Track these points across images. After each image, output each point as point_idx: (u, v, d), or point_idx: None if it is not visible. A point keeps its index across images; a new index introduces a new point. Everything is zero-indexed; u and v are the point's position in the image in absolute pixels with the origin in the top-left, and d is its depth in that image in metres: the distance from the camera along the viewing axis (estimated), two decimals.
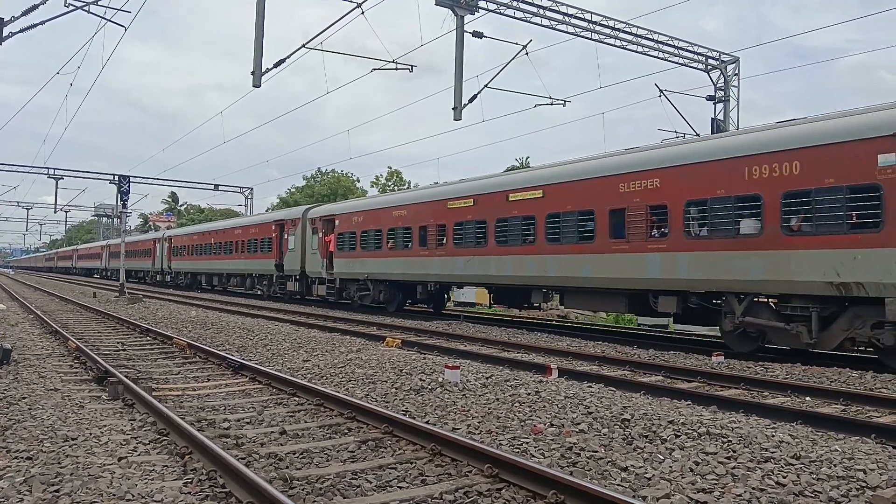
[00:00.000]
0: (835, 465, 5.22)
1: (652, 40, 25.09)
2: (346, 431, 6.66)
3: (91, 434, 6.37)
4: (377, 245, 22.93)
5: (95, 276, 67.06)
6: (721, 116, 26.29)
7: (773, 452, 5.55)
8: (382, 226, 22.71)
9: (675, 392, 8.78)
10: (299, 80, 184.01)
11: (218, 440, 6.01)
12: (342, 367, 10.33)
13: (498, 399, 7.79)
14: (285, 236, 28.82)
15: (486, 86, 21.85)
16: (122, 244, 35.05)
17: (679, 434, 6.17)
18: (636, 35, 24.70)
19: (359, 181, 67.93)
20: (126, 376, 8.90)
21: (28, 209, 76.29)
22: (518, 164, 53.28)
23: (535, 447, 5.96)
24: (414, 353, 11.85)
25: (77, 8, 17.18)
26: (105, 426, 6.72)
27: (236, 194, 60.98)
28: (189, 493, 4.84)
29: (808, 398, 8.65)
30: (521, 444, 6.05)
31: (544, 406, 7.34)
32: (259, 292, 32.39)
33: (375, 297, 23.31)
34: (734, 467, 5.23)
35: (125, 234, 37.46)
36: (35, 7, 16.28)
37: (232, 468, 4.95)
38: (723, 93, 26.59)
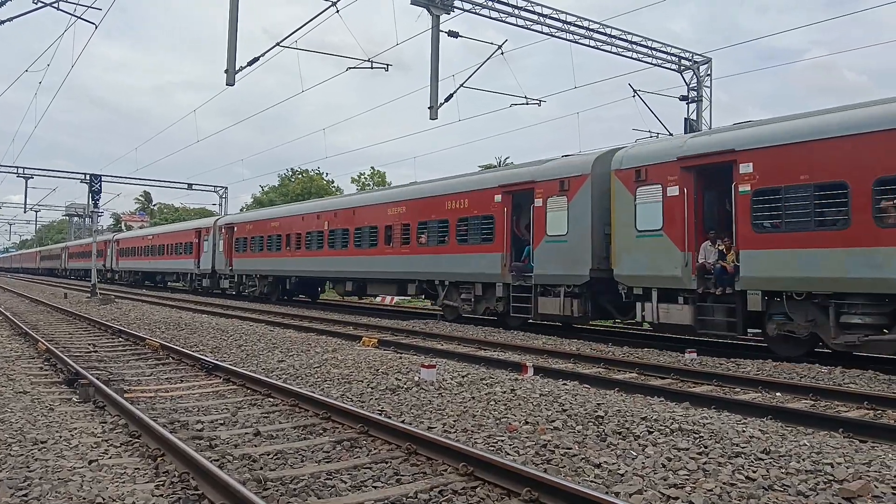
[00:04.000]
0: (803, 460, 5.32)
1: (626, 41, 25.22)
2: (322, 432, 6.64)
3: (61, 437, 6.27)
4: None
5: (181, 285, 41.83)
6: (694, 116, 26.59)
7: (743, 447, 5.65)
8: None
9: (649, 389, 8.87)
10: (270, 78, 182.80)
11: (191, 442, 5.96)
12: (318, 367, 10.28)
13: (474, 398, 7.81)
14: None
15: (461, 85, 21.81)
16: (93, 244, 34.55)
17: (652, 430, 6.24)
18: (610, 35, 24.85)
19: (333, 182, 67.13)
20: (97, 378, 8.78)
21: None
22: (496, 164, 53.53)
23: (511, 445, 5.99)
24: (390, 353, 11.84)
25: (46, 4, 16.87)
26: (75, 429, 6.62)
27: (210, 193, 60.32)
28: (161, 495, 4.79)
29: (778, 394, 8.79)
30: (497, 443, 6.08)
31: (519, 404, 7.38)
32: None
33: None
34: (705, 462, 5.30)
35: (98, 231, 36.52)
36: (3, 3, 15.98)
37: (205, 470, 4.91)
38: (695, 93, 26.89)
